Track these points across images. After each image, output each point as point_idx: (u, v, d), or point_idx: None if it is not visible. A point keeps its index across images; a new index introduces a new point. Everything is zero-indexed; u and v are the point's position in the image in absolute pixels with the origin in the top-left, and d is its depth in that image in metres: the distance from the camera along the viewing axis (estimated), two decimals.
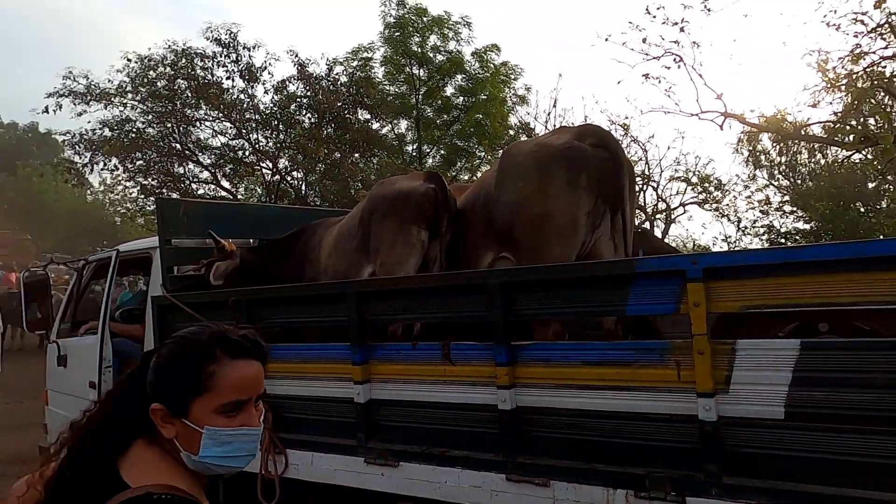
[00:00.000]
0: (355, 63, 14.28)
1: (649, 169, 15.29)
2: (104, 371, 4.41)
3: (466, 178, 14.97)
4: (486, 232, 3.11)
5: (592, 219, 2.90)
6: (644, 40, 9.23)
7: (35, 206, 29.67)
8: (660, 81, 9.28)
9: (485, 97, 15.08)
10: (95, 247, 20.76)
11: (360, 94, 13.19)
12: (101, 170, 12.89)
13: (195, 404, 1.08)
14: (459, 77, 15.20)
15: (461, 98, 15.47)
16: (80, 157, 12.71)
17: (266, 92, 13.24)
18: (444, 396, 2.51)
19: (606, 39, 9.81)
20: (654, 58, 9.21)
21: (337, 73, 13.37)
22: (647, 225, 14.91)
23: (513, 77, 15.48)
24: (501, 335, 2.30)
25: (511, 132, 15.36)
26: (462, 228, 3.26)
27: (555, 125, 13.50)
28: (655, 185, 15.73)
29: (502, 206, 2.99)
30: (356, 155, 13.83)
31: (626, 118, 14.41)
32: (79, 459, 1.09)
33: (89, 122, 12.94)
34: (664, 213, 16.25)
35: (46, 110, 11.95)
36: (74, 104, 12.02)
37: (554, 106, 14.05)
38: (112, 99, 12.19)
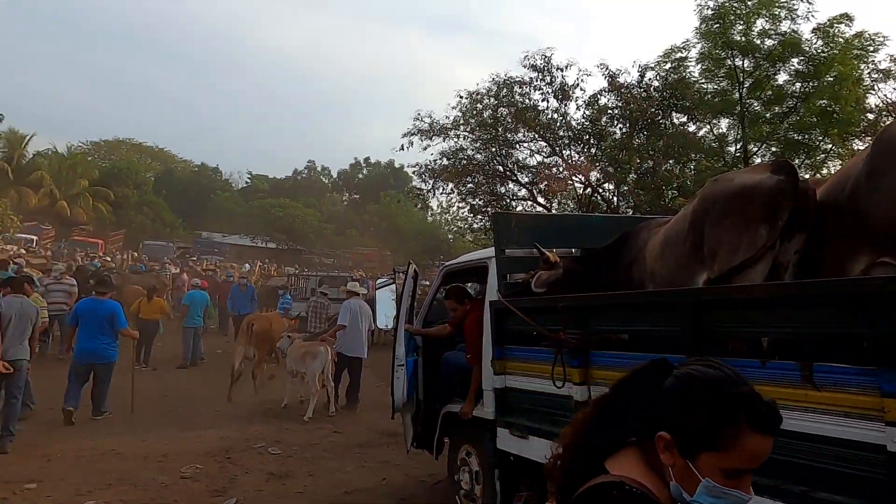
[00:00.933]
0: (668, 66, 13.63)
1: None
2: (397, 369, 5.08)
3: (807, 175, 12.72)
4: (856, 232, 2.55)
5: None
6: None
7: (392, 227, 36.93)
8: None
9: (831, 79, 12.61)
10: (434, 260, 24.55)
11: (674, 96, 12.55)
12: (440, 194, 15.29)
13: (704, 455, 1.11)
14: (795, 60, 13.05)
15: (798, 84, 13.27)
16: (425, 185, 15.31)
17: (578, 108, 13.71)
18: (804, 426, 2.14)
19: None
20: None
21: (649, 79, 13.00)
22: None
23: (871, 49, 12.60)
24: (892, 359, 1.86)
25: (870, 116, 12.50)
26: (822, 228, 2.75)
27: None
28: None
29: (881, 199, 2.42)
30: (670, 161, 13.15)
31: None
32: (576, 453, 1.23)
33: (431, 154, 15.42)
34: None
35: (402, 148, 14.72)
36: (421, 140, 14.59)
37: None
38: (448, 132, 14.34)
